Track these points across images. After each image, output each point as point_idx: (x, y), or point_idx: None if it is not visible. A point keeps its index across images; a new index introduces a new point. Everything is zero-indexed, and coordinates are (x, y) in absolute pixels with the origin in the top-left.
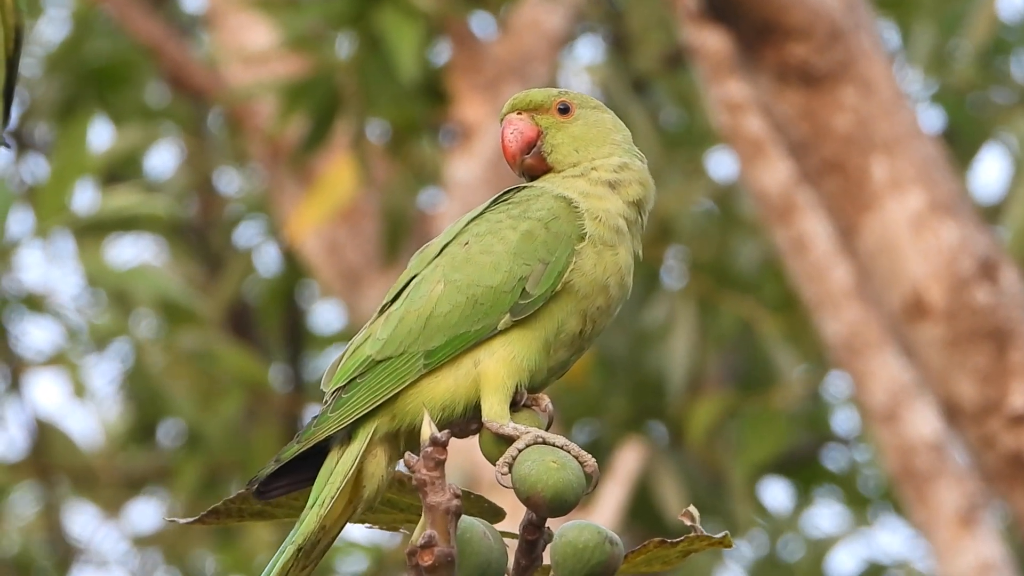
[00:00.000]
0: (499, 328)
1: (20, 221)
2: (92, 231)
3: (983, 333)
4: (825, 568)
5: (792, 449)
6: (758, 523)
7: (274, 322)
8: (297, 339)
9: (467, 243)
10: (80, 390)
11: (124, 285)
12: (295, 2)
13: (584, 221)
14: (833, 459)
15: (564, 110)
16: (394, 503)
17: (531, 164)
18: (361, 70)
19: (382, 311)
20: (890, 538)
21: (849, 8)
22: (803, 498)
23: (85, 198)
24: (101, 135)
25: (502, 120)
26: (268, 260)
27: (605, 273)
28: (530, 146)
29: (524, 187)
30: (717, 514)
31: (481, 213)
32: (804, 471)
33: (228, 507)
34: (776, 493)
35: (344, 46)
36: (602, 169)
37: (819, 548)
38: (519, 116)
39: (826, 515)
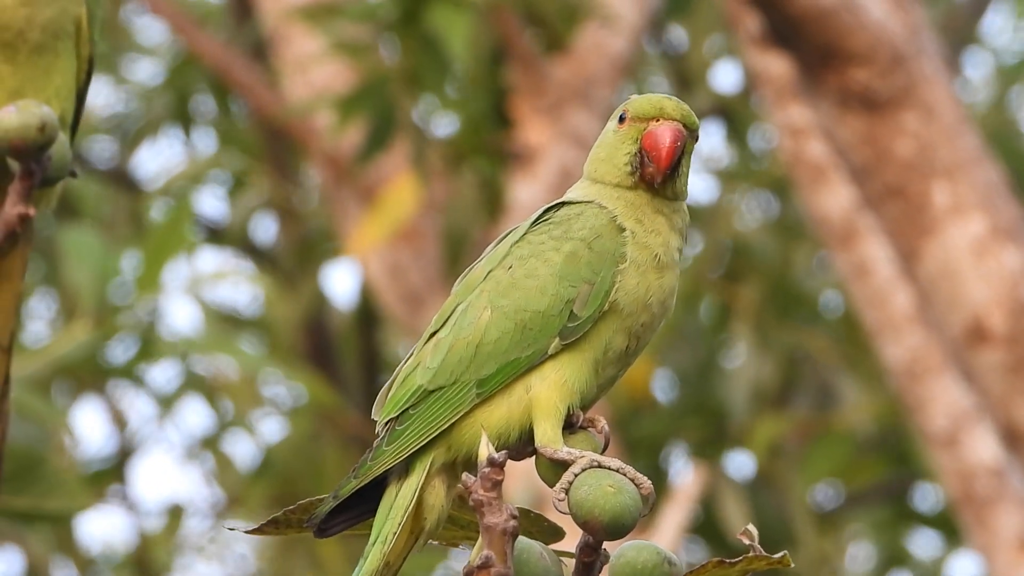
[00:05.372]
0: (549, 352)
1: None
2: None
3: None
4: None
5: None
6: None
7: (351, 346)
8: (374, 362)
9: (511, 267)
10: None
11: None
12: (344, 10)
13: (627, 239)
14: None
15: (696, 139)
16: (455, 520)
17: (662, 181)
18: (414, 72)
19: (430, 337)
20: None
21: (911, 33)
22: (952, 543)
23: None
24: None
25: (662, 118)
26: (343, 283)
27: (648, 292)
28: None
29: (564, 203)
30: (787, 541)
31: (524, 235)
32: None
33: (288, 517)
34: (927, 541)
35: (396, 50)
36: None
37: None
38: (683, 129)
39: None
